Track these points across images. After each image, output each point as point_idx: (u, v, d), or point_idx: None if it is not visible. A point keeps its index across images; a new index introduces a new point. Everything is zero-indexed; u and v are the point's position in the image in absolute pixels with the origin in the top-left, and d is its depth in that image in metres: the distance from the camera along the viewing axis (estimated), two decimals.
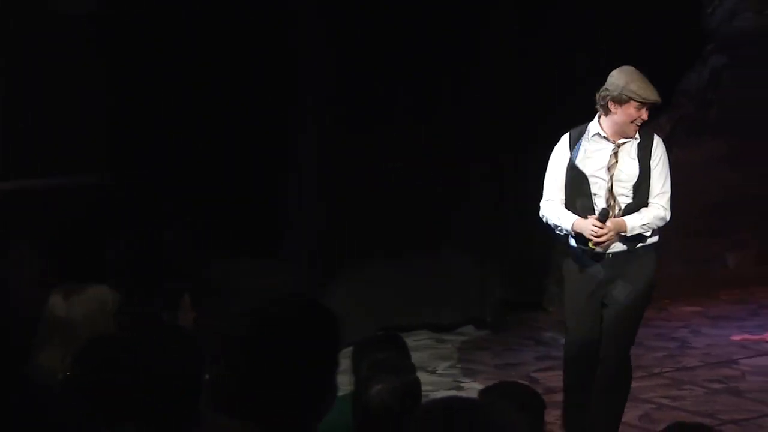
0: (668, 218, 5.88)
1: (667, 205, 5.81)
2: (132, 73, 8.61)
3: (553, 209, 5.87)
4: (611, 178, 5.80)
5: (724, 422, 6.88)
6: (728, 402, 7.42)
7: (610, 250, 5.84)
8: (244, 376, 3.15)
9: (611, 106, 5.74)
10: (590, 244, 5.74)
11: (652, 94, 5.73)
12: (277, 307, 3.26)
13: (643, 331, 6.42)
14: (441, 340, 8.97)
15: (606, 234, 5.68)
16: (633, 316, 5.93)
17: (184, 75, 8.73)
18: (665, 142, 6.14)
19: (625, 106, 5.69)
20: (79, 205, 8.08)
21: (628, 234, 5.77)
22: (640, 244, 5.90)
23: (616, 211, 5.80)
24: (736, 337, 8.87)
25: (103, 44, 8.63)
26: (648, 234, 5.90)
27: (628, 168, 5.81)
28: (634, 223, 5.73)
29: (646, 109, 5.73)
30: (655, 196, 5.81)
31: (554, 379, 7.32)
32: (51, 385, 3.60)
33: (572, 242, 5.93)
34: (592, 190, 5.85)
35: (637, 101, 5.68)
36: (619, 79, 5.73)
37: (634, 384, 6.27)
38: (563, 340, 6.13)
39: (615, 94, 5.68)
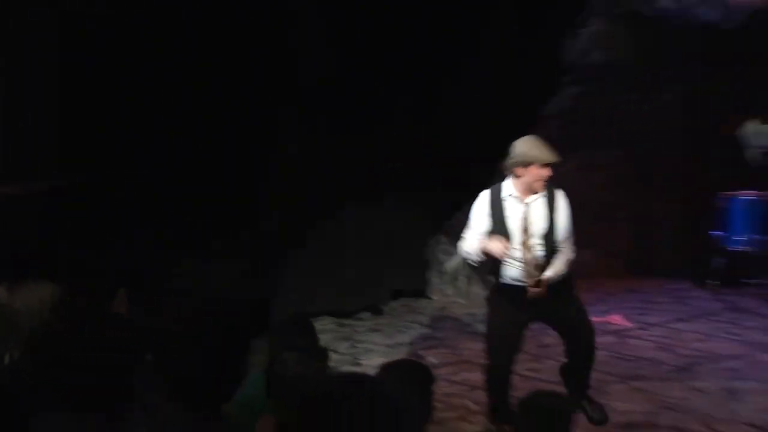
0: (574, 257, 6.79)
1: (572, 247, 6.77)
2: (130, 73, 8.71)
3: (467, 242, 6.78)
4: (524, 232, 6.67)
5: None
6: None
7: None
8: (170, 362, 3.36)
9: (518, 171, 6.61)
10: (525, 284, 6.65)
11: (550, 156, 6.59)
12: (199, 303, 3.49)
13: None
14: (342, 324, 10.01)
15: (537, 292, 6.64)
16: (586, 318, 6.92)
17: (184, 75, 8.82)
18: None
19: (530, 168, 6.57)
20: (32, 208, 8.18)
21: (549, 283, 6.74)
22: None
23: (530, 254, 6.59)
24: None
25: (104, 44, 8.74)
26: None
27: (538, 222, 6.70)
28: (553, 275, 6.66)
29: (548, 168, 6.58)
30: (562, 242, 6.71)
31: (437, 356, 8.56)
32: None
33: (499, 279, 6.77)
34: (509, 243, 6.74)
35: (539, 162, 6.53)
36: (522, 147, 6.62)
37: None
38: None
39: (520, 159, 6.57)
